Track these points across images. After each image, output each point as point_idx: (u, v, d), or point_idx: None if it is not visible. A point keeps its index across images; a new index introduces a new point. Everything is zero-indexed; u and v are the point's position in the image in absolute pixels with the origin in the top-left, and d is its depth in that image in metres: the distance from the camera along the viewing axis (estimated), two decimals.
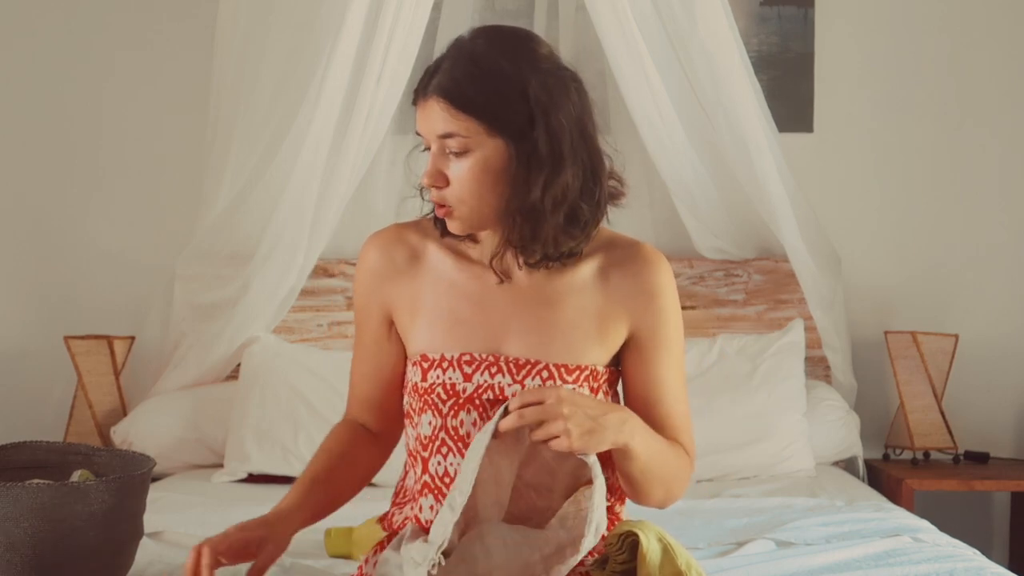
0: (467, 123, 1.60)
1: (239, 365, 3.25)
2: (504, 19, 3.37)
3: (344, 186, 3.23)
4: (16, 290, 3.55)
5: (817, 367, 3.40)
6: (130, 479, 1.79)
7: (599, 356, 1.68)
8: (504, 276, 1.68)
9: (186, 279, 3.34)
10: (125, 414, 3.29)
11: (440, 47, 3.40)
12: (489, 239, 1.70)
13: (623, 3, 3.10)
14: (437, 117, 1.61)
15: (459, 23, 3.37)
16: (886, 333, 3.42)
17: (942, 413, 3.33)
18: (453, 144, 1.61)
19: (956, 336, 3.36)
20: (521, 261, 1.68)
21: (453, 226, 1.66)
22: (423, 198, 1.74)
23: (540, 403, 1.51)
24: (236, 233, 3.31)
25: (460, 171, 1.61)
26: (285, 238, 3.22)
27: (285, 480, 3.00)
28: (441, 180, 1.62)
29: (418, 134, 1.65)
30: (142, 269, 3.48)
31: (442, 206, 1.64)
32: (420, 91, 1.64)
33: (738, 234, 3.43)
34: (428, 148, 1.65)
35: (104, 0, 3.53)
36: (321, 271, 3.39)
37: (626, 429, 1.56)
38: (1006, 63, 3.57)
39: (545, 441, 1.51)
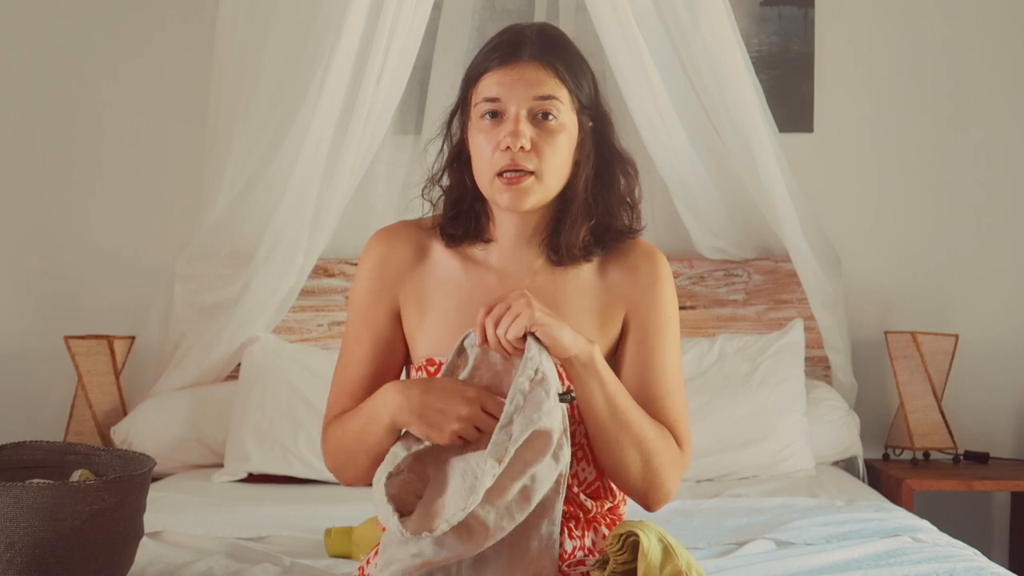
0: (562, 91, 1.65)
1: (239, 365, 3.26)
2: (504, 19, 3.37)
3: (344, 186, 3.23)
4: (16, 290, 3.55)
5: (817, 367, 3.40)
6: (130, 479, 1.79)
7: (602, 351, 1.68)
8: (555, 255, 1.70)
9: (186, 279, 3.34)
10: (125, 414, 3.29)
11: (440, 47, 3.45)
12: (509, 236, 1.71)
13: (623, 3, 3.09)
14: (537, 79, 1.63)
15: (459, 23, 3.38)
16: (886, 333, 3.42)
17: (942, 413, 3.33)
18: (547, 107, 1.63)
19: (956, 336, 3.36)
20: (550, 256, 1.70)
21: (520, 197, 1.63)
22: (424, 197, 1.75)
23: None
24: (236, 233, 3.31)
25: (549, 139, 1.63)
26: (285, 238, 3.22)
27: (285, 480, 3.01)
28: (528, 142, 1.62)
29: (489, 100, 1.64)
30: (142, 269, 3.48)
31: (520, 171, 1.62)
32: (506, 57, 1.65)
33: (738, 234, 3.43)
34: (495, 115, 1.64)
35: (104, 0, 3.54)
36: (321, 271, 3.40)
37: (583, 338, 1.57)
38: (1005, 63, 3.57)
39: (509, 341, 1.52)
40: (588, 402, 1.60)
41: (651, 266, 1.73)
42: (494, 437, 1.46)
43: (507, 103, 1.63)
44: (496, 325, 1.53)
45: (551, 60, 1.65)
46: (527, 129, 1.62)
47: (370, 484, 1.60)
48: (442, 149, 1.75)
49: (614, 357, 1.71)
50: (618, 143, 1.74)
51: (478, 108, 1.66)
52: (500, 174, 1.63)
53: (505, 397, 1.52)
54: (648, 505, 1.68)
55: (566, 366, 1.59)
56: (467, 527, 1.46)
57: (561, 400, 1.53)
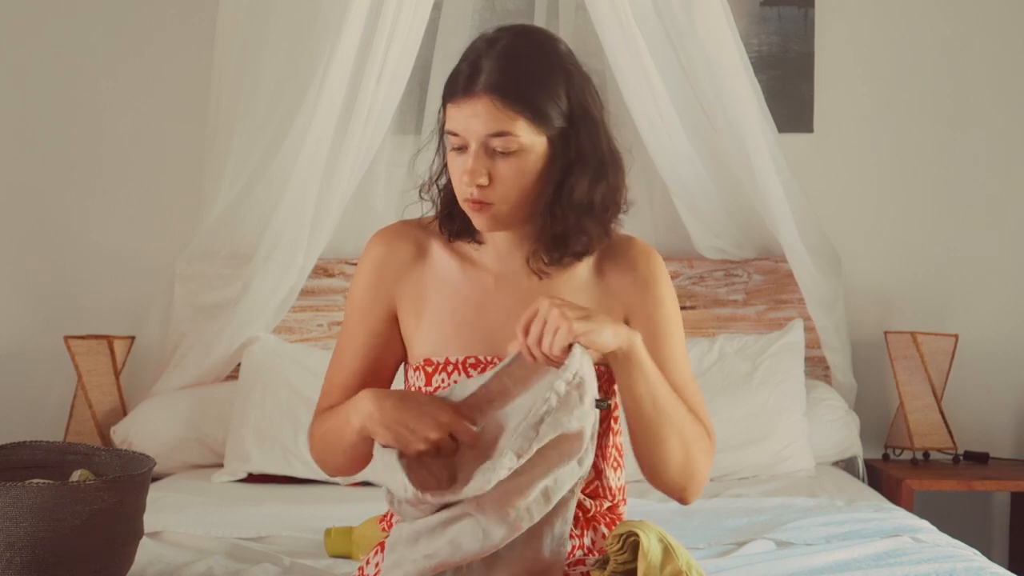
0: (518, 122, 1.60)
1: (239, 365, 3.26)
2: (504, 19, 3.37)
3: (344, 186, 3.23)
4: (16, 290, 3.55)
5: (817, 367, 3.40)
6: (130, 479, 1.79)
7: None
8: (541, 274, 1.69)
9: (186, 279, 3.34)
10: (125, 414, 3.29)
11: (440, 47, 3.44)
12: (502, 239, 1.72)
13: (623, 3, 3.09)
14: (488, 115, 1.60)
15: (459, 23, 3.38)
16: (886, 333, 3.42)
17: (942, 413, 3.33)
18: (502, 143, 1.60)
19: (956, 336, 3.36)
20: (546, 259, 1.69)
21: (488, 223, 1.64)
22: (423, 197, 1.76)
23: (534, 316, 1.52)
24: (236, 233, 3.31)
25: (507, 170, 1.61)
26: (285, 238, 3.22)
27: (285, 480, 3.01)
28: (485, 179, 1.61)
29: (451, 133, 1.63)
30: (142, 269, 3.48)
31: (481, 203, 1.62)
32: (462, 89, 1.62)
33: (738, 234, 3.43)
34: (459, 148, 1.63)
35: (104, 0, 3.54)
36: (321, 271, 3.39)
37: (623, 330, 1.55)
38: (1005, 63, 3.57)
39: (548, 353, 1.50)
40: (631, 392, 1.58)
41: (648, 265, 1.73)
42: (520, 430, 1.46)
43: (465, 137, 1.62)
44: (539, 342, 1.51)
45: (504, 92, 1.60)
46: (482, 165, 1.61)
47: (352, 474, 1.66)
48: (439, 148, 1.75)
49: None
50: (604, 142, 1.68)
51: (446, 138, 1.67)
52: (466, 200, 1.64)
53: (511, 404, 1.52)
54: (685, 497, 1.67)
55: (609, 359, 1.57)
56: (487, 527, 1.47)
57: (597, 406, 1.52)
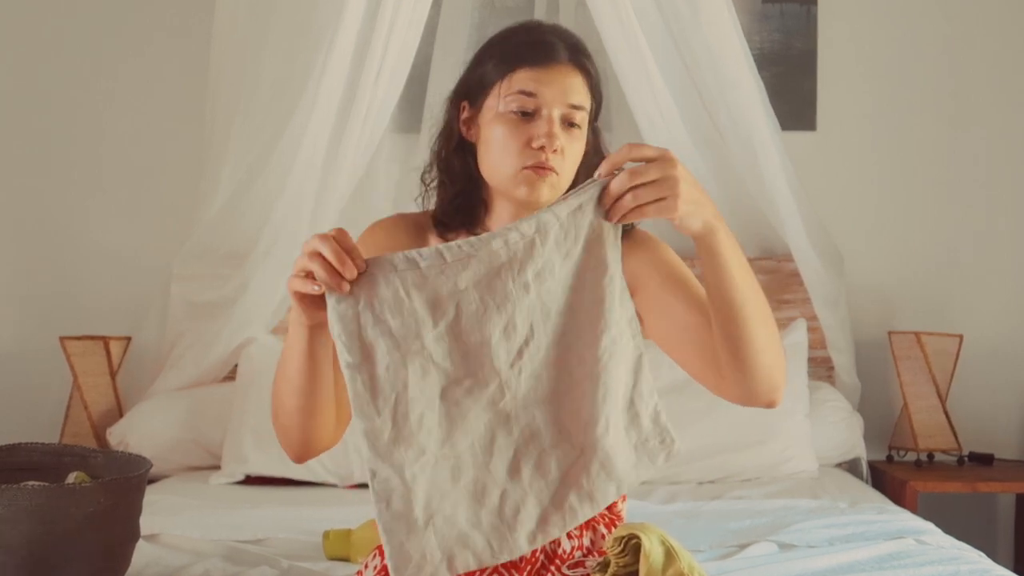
0: (589, 102, 1.67)
1: (236, 366, 3.24)
2: (504, 16, 3.36)
3: (343, 184, 3.22)
4: (12, 290, 3.54)
5: (820, 368, 3.38)
6: (126, 481, 1.79)
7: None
8: None
9: (183, 279, 3.32)
10: (121, 415, 3.27)
11: (440, 44, 3.42)
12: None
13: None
14: (574, 87, 1.65)
15: (459, 20, 3.38)
16: (889, 333, 3.40)
17: (946, 414, 3.31)
18: (577, 117, 1.65)
19: (960, 336, 3.35)
20: None
21: (545, 191, 1.62)
22: (424, 181, 1.75)
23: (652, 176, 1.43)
24: (234, 232, 3.29)
25: (572, 144, 1.65)
26: (283, 237, 3.21)
27: (283, 482, 2.99)
28: (561, 147, 1.63)
29: (526, 94, 1.62)
30: (139, 269, 3.47)
31: (549, 168, 1.62)
32: (545, 56, 1.64)
33: (740, 233, 3.39)
34: (526, 112, 1.62)
35: (104, 0, 3.53)
36: None
37: (717, 216, 1.48)
38: (1007, 61, 3.56)
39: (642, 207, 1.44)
40: (715, 280, 1.51)
41: (646, 239, 1.71)
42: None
43: (542, 102, 1.63)
44: (633, 190, 1.43)
45: (586, 69, 1.67)
46: (560, 133, 1.63)
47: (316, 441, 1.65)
48: (445, 134, 1.74)
49: (657, 321, 1.65)
50: (607, 154, 1.74)
51: (507, 100, 1.64)
52: (526, 167, 1.63)
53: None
54: (776, 397, 1.62)
55: (694, 239, 1.51)
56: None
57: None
